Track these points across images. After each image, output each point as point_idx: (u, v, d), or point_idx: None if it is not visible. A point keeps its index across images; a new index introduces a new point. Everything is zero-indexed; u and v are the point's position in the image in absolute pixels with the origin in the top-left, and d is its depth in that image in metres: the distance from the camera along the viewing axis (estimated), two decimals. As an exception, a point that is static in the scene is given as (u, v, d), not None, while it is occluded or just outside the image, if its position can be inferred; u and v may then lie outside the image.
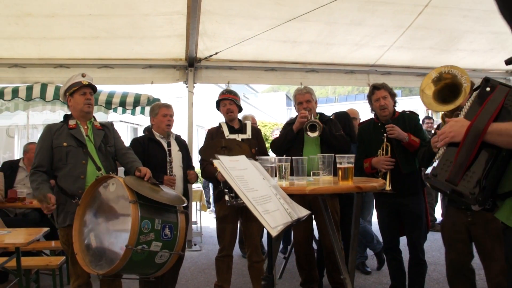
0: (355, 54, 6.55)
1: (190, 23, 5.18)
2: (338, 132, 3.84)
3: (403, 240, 3.70)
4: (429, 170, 1.67)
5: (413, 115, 3.72)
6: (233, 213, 3.73)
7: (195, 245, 6.69)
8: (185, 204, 2.93)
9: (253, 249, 3.77)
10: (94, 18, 5.01)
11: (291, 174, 3.09)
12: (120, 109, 6.49)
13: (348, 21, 5.49)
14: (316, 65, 6.85)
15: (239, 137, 3.89)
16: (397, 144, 3.51)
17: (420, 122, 3.80)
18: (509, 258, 1.64)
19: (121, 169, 3.47)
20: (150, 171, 3.04)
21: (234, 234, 3.85)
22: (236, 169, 1.96)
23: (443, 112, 2.77)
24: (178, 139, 4.05)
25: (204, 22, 5.34)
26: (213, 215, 8.32)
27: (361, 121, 4.34)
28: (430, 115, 9.65)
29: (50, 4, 4.68)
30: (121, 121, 13.09)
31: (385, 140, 3.54)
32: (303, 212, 2.11)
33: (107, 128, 3.36)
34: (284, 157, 3.03)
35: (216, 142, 3.58)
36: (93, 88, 3.29)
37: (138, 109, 6.65)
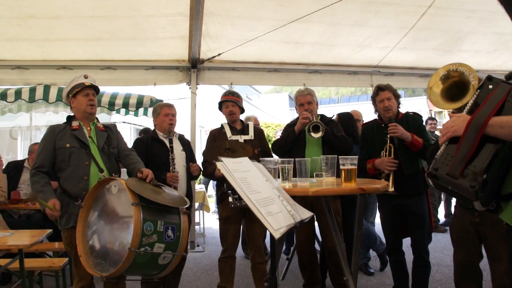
0: (358, 55, 6.54)
1: (193, 24, 5.18)
2: (340, 133, 3.84)
3: (406, 241, 3.69)
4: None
5: (416, 116, 3.72)
6: (236, 214, 3.73)
7: (198, 246, 6.68)
8: (187, 205, 2.93)
9: (256, 250, 3.78)
10: (96, 19, 5.02)
11: (294, 176, 3.08)
12: (123, 110, 6.49)
13: (351, 22, 5.48)
14: (319, 66, 6.85)
15: (241, 138, 3.90)
16: (400, 145, 3.50)
17: (424, 123, 3.79)
18: None
19: (124, 171, 3.47)
20: (152, 173, 3.04)
21: (237, 235, 3.84)
22: (239, 171, 1.96)
23: (451, 111, 2.75)
24: (181, 138, 4.05)
25: (207, 24, 5.35)
26: (216, 216, 8.35)
27: (364, 122, 4.33)
28: (433, 116, 9.64)
29: (52, 5, 4.69)
30: (124, 122, 13.11)
31: (388, 141, 3.53)
32: (306, 214, 2.10)
33: (110, 130, 3.36)
34: (287, 158, 3.03)
35: (219, 144, 3.58)
36: (95, 89, 3.29)
37: (141, 110, 6.64)
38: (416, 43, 6.16)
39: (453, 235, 3.10)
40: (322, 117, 3.98)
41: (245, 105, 4.17)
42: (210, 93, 13.37)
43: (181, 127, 4.55)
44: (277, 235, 1.74)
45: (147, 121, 7.53)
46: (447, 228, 7.23)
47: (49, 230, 3.73)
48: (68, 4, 4.68)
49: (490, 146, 1.54)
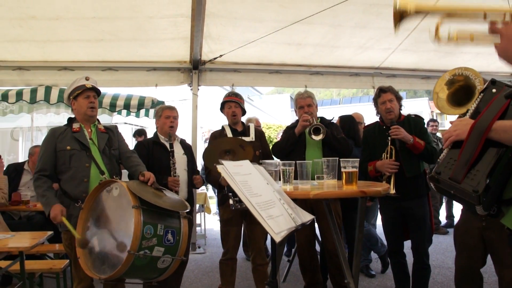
0: (360, 56, 6.53)
1: (194, 25, 5.19)
2: (340, 135, 3.84)
3: (407, 244, 3.68)
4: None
5: (418, 119, 3.71)
6: (237, 216, 3.73)
7: (199, 247, 6.68)
8: (188, 210, 2.92)
9: (257, 252, 3.77)
10: (98, 20, 5.02)
11: (295, 178, 3.07)
12: (124, 111, 6.48)
13: (353, 23, 5.48)
14: (320, 67, 6.85)
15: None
16: (401, 147, 3.49)
17: (425, 125, 3.78)
18: None
19: (125, 172, 3.46)
20: (153, 176, 3.03)
21: (238, 237, 3.84)
22: (240, 174, 1.95)
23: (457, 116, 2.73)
24: (183, 143, 4.06)
25: (209, 25, 5.34)
26: (217, 218, 8.34)
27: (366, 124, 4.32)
28: (435, 117, 9.62)
29: (54, 7, 4.69)
30: (125, 123, 13.12)
31: (389, 143, 3.52)
32: (307, 217, 2.09)
33: (111, 131, 3.35)
34: (287, 161, 3.01)
35: (218, 143, 3.54)
36: (96, 91, 3.28)
37: (142, 111, 6.64)
38: (418, 45, 6.14)
39: (457, 239, 3.07)
40: (322, 119, 3.97)
41: (246, 106, 4.16)
42: (212, 95, 13.37)
43: (183, 129, 4.54)
44: (278, 239, 1.73)
45: (149, 122, 7.54)
46: (449, 230, 7.22)
47: (50, 232, 3.71)
48: (70, 5, 4.68)
49: (493, 151, 1.52)
